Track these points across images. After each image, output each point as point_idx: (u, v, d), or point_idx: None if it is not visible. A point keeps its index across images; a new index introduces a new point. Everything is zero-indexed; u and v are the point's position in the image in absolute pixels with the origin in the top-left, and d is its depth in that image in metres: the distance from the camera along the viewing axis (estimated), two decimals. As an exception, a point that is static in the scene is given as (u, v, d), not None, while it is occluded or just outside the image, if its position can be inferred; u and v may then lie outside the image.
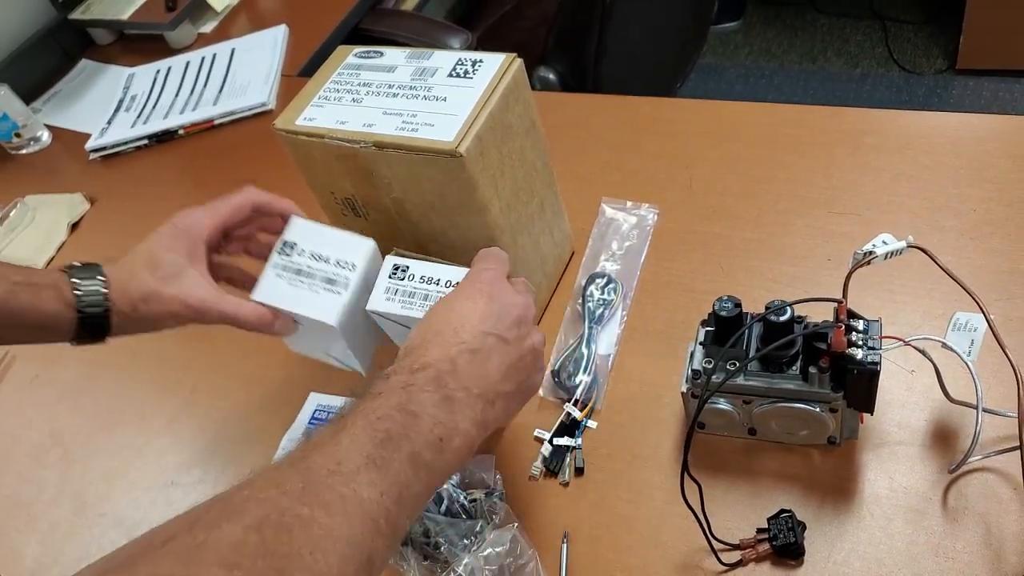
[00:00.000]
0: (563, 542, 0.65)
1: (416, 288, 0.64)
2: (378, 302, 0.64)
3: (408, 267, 0.65)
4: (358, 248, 0.65)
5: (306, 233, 0.67)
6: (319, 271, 0.65)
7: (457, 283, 0.62)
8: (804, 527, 0.60)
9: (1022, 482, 0.55)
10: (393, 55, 0.72)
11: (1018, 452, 0.55)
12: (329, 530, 0.40)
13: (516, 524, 0.65)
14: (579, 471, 0.70)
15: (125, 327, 0.64)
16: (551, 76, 1.44)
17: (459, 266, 0.64)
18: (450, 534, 0.64)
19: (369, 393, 0.49)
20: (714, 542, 0.60)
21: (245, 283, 0.68)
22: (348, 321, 0.64)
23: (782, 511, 0.61)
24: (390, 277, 0.65)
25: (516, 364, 0.55)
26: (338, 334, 0.64)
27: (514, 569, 0.63)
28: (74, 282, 0.61)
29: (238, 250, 0.70)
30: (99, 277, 0.62)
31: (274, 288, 0.65)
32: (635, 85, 1.55)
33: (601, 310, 0.80)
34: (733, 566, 0.61)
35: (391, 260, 0.66)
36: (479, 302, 0.55)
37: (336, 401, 0.81)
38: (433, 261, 0.65)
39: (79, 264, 0.63)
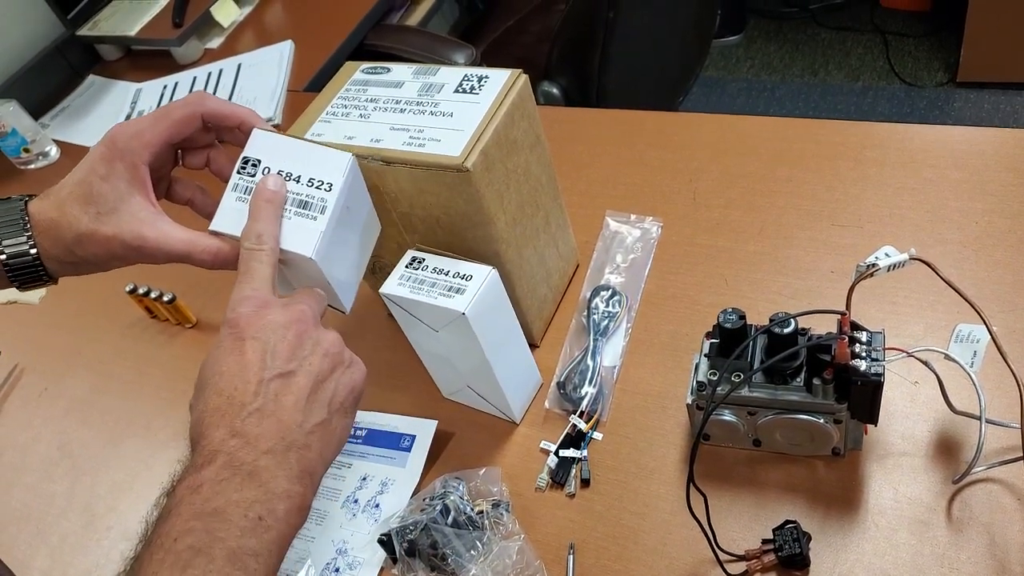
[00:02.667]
0: (569, 553, 0.66)
1: (427, 277, 0.66)
2: (391, 287, 0.67)
3: (424, 259, 0.68)
4: (335, 163, 0.56)
5: (271, 147, 0.57)
6: (289, 193, 0.56)
7: (470, 275, 0.64)
8: (809, 538, 0.61)
9: (1026, 493, 0.55)
10: (400, 71, 0.73)
11: (1022, 463, 0.56)
12: None
13: (522, 535, 0.66)
14: (585, 482, 0.70)
15: (67, 270, 0.57)
16: (554, 90, 1.45)
17: (474, 262, 0.66)
18: (457, 546, 0.64)
19: (155, 521, 0.45)
20: (720, 553, 0.60)
21: (208, 206, 0.60)
22: (328, 252, 0.56)
23: (787, 522, 0.61)
24: (406, 267, 0.68)
25: (313, 389, 0.49)
26: (317, 268, 0.56)
27: None
28: None
29: (199, 164, 0.61)
30: (24, 228, 0.54)
31: (235, 216, 0.55)
32: (638, 99, 1.56)
33: (606, 322, 0.80)
34: (739, 577, 0.61)
35: (411, 253, 0.69)
36: (244, 351, 0.48)
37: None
38: (452, 257, 0.67)
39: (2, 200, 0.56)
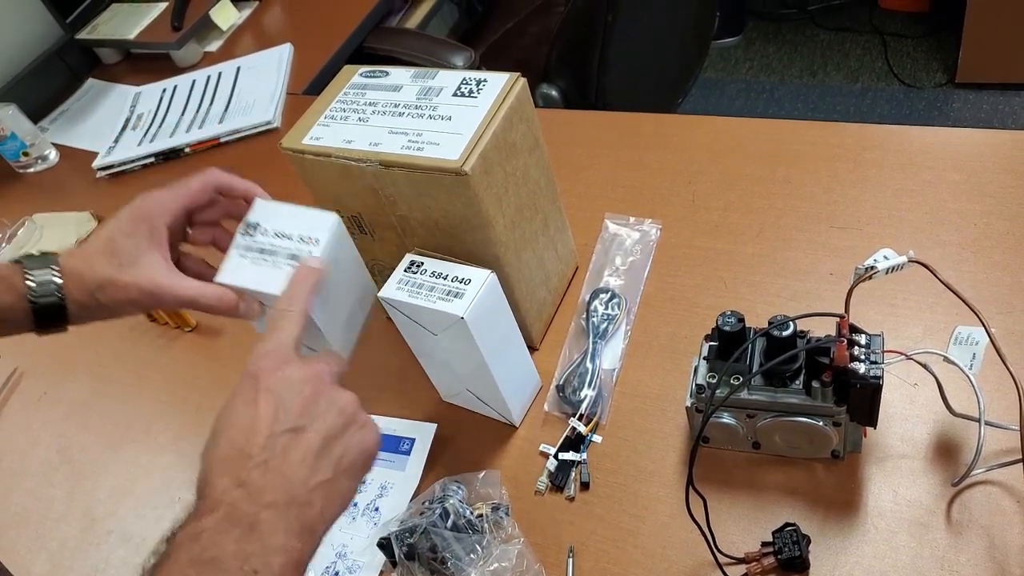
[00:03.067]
0: (569, 556, 0.66)
1: (425, 281, 0.66)
2: (389, 291, 0.67)
3: (423, 263, 0.68)
4: (321, 223, 0.62)
5: (269, 212, 0.64)
6: (282, 248, 0.62)
7: (468, 279, 0.65)
8: (809, 541, 0.61)
9: (1025, 495, 0.55)
10: (398, 74, 0.73)
11: (1021, 465, 0.56)
12: None
13: (522, 539, 0.66)
14: (584, 485, 0.70)
15: (84, 316, 0.62)
16: (553, 92, 1.45)
17: (472, 266, 0.66)
18: (456, 549, 0.64)
19: (160, 559, 0.45)
20: (719, 556, 0.60)
21: (211, 277, 0.64)
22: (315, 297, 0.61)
23: (787, 525, 0.61)
24: (405, 271, 0.68)
25: (322, 446, 0.49)
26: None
27: None
28: (27, 273, 0.60)
29: (205, 240, 0.68)
30: (53, 267, 0.60)
31: (237, 269, 0.63)
32: (637, 101, 1.56)
33: (605, 325, 0.80)
34: (739, 580, 0.61)
35: (410, 257, 0.69)
36: (258, 403, 0.49)
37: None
38: (451, 260, 0.67)
39: (36, 253, 0.62)
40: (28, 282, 0.60)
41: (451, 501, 0.67)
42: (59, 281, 0.60)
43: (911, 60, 2.34)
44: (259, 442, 0.48)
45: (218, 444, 0.48)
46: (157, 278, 0.60)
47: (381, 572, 0.69)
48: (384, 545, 0.67)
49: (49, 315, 0.60)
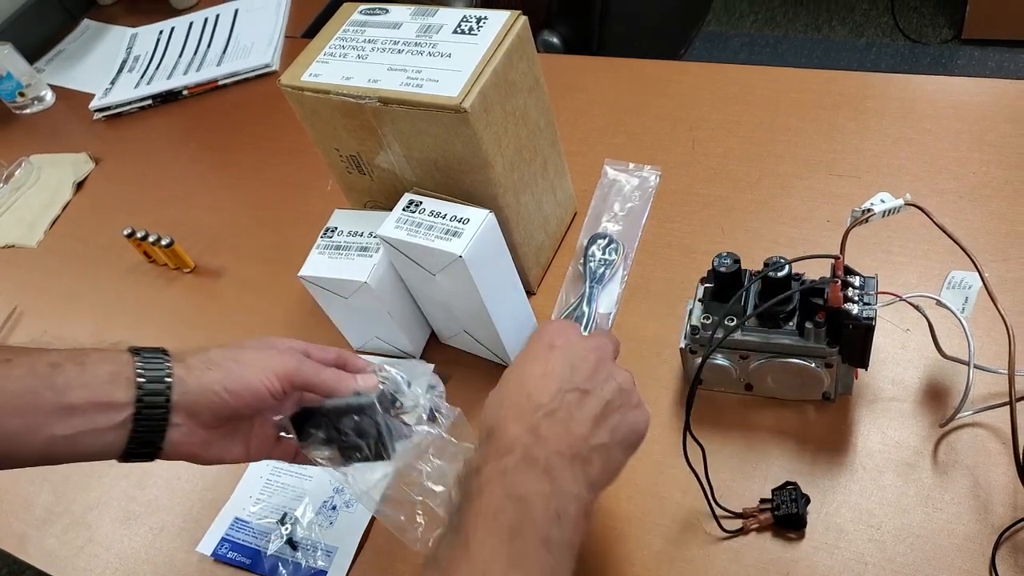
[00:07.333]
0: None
1: (424, 220, 0.66)
2: (387, 229, 0.67)
3: (421, 202, 0.68)
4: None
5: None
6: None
7: (467, 219, 0.64)
8: (808, 500, 0.61)
9: (1011, 436, 0.56)
10: (398, 12, 0.72)
11: (1008, 407, 0.57)
12: None
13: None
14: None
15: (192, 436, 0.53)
16: (555, 40, 1.43)
17: (472, 205, 0.66)
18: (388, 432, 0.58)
19: (469, 493, 0.47)
20: (717, 509, 0.61)
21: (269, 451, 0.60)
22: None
23: (787, 483, 0.62)
24: (404, 210, 0.68)
25: (602, 413, 0.51)
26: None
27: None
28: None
29: (270, 436, 0.60)
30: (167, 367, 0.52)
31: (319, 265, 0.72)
32: (639, 51, 1.54)
33: (602, 270, 0.81)
34: (734, 533, 0.61)
35: (408, 196, 0.69)
36: (550, 360, 0.52)
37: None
38: (450, 200, 0.67)
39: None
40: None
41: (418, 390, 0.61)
42: (169, 380, 0.52)
43: (917, 15, 2.31)
44: (550, 393, 0.50)
45: (509, 392, 0.52)
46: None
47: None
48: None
49: (151, 424, 0.51)
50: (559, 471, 0.47)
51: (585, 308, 0.78)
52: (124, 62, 1.35)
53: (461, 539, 0.45)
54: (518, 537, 0.45)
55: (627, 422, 0.52)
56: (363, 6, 0.75)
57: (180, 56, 1.32)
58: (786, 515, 0.60)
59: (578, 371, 0.52)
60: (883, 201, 0.56)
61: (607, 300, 0.79)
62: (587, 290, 0.79)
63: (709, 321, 0.63)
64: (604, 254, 0.82)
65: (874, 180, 0.80)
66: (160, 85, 1.26)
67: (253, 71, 1.24)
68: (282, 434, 0.59)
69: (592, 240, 0.83)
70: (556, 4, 1.44)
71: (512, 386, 0.52)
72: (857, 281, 0.58)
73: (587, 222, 0.86)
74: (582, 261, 0.82)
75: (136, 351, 0.52)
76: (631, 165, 0.89)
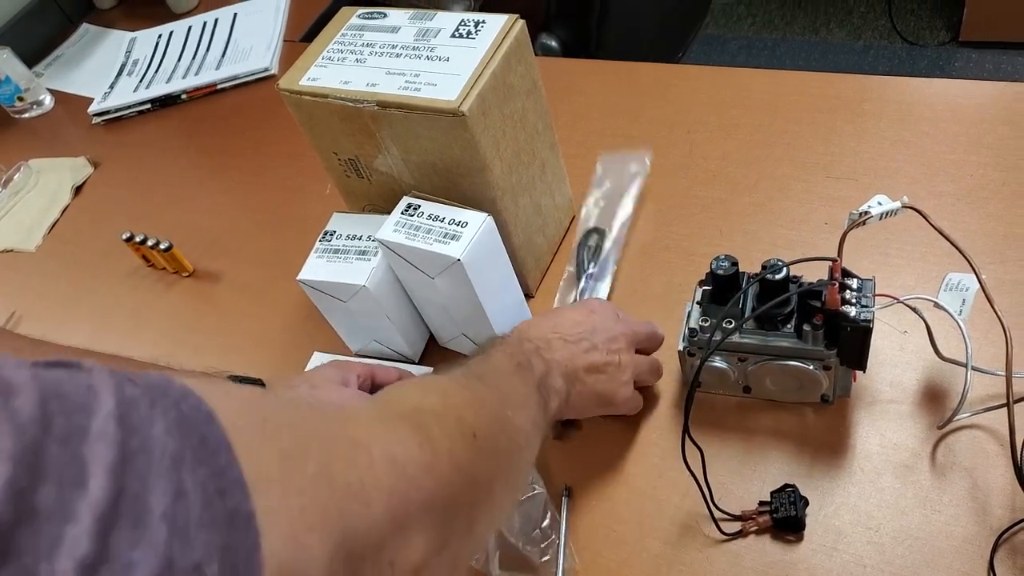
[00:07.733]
0: (564, 496, 0.67)
1: (422, 223, 0.67)
2: (386, 233, 0.67)
3: (420, 206, 0.68)
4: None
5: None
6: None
7: (465, 222, 0.66)
8: (806, 502, 0.61)
9: (1008, 438, 0.56)
10: (396, 16, 0.72)
11: (1005, 409, 0.57)
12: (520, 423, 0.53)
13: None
14: (573, 425, 0.71)
15: None
16: (553, 43, 1.44)
17: (470, 209, 0.66)
18: None
19: (488, 349, 0.58)
20: (716, 512, 0.61)
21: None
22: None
23: (786, 486, 0.62)
24: (402, 214, 0.68)
25: (601, 367, 0.62)
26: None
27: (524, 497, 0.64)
28: None
29: None
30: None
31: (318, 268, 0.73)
32: (637, 55, 1.54)
33: (591, 261, 0.80)
34: (733, 536, 0.61)
35: (407, 200, 0.69)
36: (581, 312, 0.65)
37: (339, 359, 0.82)
38: (448, 204, 0.67)
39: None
40: None
41: None
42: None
43: (915, 18, 2.32)
44: (568, 328, 0.62)
45: (540, 322, 0.64)
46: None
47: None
48: None
49: None
50: (555, 370, 0.59)
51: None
52: (123, 66, 1.35)
53: (484, 356, 0.57)
54: (522, 370, 0.56)
55: (609, 386, 0.63)
56: (361, 10, 0.75)
57: (179, 60, 1.32)
58: (785, 517, 0.60)
59: (598, 333, 0.63)
60: (880, 203, 0.56)
61: (602, 292, 0.79)
62: (581, 283, 0.79)
63: (707, 324, 0.63)
64: (588, 241, 0.82)
65: (872, 182, 0.80)
66: (159, 89, 1.26)
67: (252, 75, 1.24)
68: None
69: (585, 237, 0.83)
70: (554, 7, 1.44)
71: (545, 319, 0.64)
72: (855, 283, 0.58)
73: (581, 223, 0.86)
74: (575, 262, 0.82)
75: (237, 379, 0.63)
76: (618, 155, 0.88)
